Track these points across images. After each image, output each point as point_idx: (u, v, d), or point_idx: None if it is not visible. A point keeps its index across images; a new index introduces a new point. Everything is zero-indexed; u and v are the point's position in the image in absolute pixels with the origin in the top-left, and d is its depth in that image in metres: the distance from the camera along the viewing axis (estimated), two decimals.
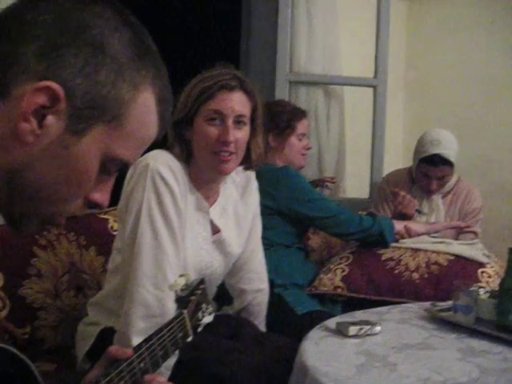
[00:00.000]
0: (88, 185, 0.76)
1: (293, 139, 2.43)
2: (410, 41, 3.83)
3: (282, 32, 3.11)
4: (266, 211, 2.19)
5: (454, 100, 3.69)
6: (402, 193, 2.60)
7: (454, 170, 2.72)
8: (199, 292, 1.26)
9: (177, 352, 1.25)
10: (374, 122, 3.24)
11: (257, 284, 1.93)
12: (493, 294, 1.71)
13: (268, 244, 2.18)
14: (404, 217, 2.56)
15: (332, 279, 2.31)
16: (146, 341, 1.03)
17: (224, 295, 1.95)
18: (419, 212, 2.70)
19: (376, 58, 3.21)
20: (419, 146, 2.73)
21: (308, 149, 2.54)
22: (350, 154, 3.44)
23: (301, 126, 2.45)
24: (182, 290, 1.22)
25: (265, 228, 1.98)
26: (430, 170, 2.68)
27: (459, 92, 3.66)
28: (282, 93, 3.12)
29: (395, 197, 2.61)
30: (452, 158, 2.65)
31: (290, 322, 2.08)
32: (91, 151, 0.73)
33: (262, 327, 1.96)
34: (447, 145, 2.67)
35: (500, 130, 3.58)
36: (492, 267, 2.29)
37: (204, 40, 4.72)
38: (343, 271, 2.32)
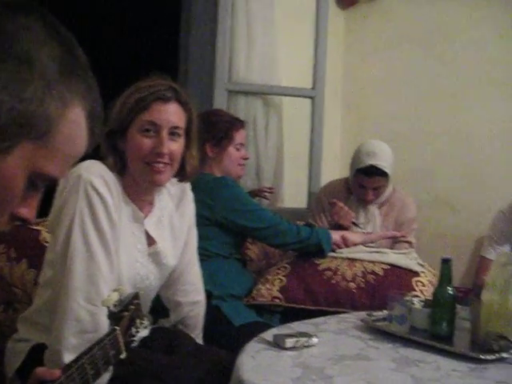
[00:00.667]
0: (14, 202, 0.73)
1: (231, 149, 2.42)
2: (347, 53, 3.88)
3: (221, 41, 3.10)
4: (204, 222, 2.17)
5: (389, 112, 3.76)
6: (340, 204, 2.62)
7: (389, 181, 2.77)
8: (133, 307, 1.23)
9: (111, 368, 1.21)
10: (311, 132, 3.27)
11: (193, 296, 1.90)
12: (426, 304, 1.74)
13: (205, 255, 2.16)
14: (340, 228, 2.59)
15: (270, 290, 2.30)
16: (75, 360, 1.00)
17: (160, 308, 1.92)
18: (355, 224, 2.74)
19: (314, 69, 3.24)
20: (355, 157, 2.77)
21: (246, 159, 2.53)
22: (288, 164, 3.45)
23: (239, 136, 2.44)
24: (115, 305, 1.19)
25: (202, 238, 1.96)
26: (365, 180, 2.72)
27: (395, 104, 3.74)
28: (220, 102, 3.10)
29: (332, 207, 2.63)
30: (387, 170, 2.70)
31: (227, 334, 2.06)
32: (17, 169, 0.70)
33: (199, 340, 1.94)
34: (383, 156, 2.72)
35: (434, 141, 3.67)
36: (426, 276, 2.34)
37: (142, 48, 4.65)
38: (281, 282, 2.32)
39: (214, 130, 2.39)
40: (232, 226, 2.29)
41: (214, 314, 2.08)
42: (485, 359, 1.47)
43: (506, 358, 1.49)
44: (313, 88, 3.25)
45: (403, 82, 3.73)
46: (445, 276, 1.65)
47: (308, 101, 3.28)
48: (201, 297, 1.94)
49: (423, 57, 3.69)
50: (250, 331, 1.84)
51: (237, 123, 2.47)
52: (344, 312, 2.04)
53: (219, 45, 3.10)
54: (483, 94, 3.56)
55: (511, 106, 3.51)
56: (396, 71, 3.74)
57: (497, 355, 1.49)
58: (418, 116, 3.70)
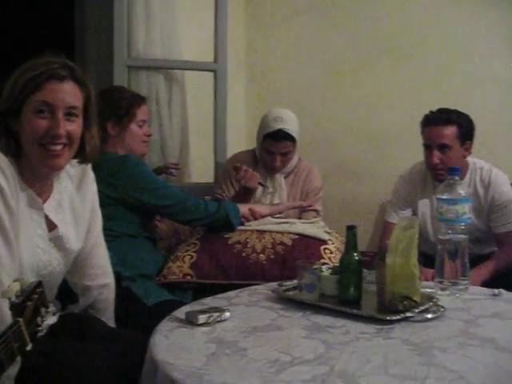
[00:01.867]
0: None
1: (133, 126, 2.36)
2: (249, 25, 3.86)
3: (118, 15, 3.00)
4: (108, 202, 2.13)
5: (293, 83, 3.79)
6: (244, 167, 2.63)
7: (295, 149, 2.82)
8: (36, 296, 1.17)
9: (19, 359, 1.16)
10: (215, 105, 3.25)
11: (101, 279, 1.86)
12: (335, 270, 1.78)
13: (112, 235, 2.12)
14: (248, 191, 2.60)
15: (181, 267, 2.29)
16: None
17: (68, 293, 1.86)
18: (262, 185, 2.77)
19: (215, 42, 3.21)
20: (263, 123, 2.80)
21: (149, 136, 2.48)
22: (194, 138, 3.42)
23: (140, 113, 2.38)
24: (16, 296, 1.13)
25: (108, 219, 1.91)
26: (273, 145, 2.75)
27: (298, 75, 3.77)
28: (120, 79, 3.01)
29: (237, 172, 2.64)
30: (294, 134, 2.76)
31: (140, 315, 2.04)
32: None
33: (111, 323, 1.90)
34: (290, 121, 2.77)
35: (338, 109, 3.74)
36: (333, 243, 2.40)
37: (34, 26, 4.43)
38: (191, 258, 2.30)
39: (115, 107, 2.32)
40: (138, 204, 2.25)
41: (124, 296, 2.04)
42: (391, 320, 1.53)
43: (410, 316, 1.56)
44: (215, 61, 3.22)
45: (305, 54, 3.76)
46: (350, 243, 1.70)
47: (211, 74, 3.25)
48: (109, 279, 1.89)
49: (323, 28, 3.73)
50: (163, 310, 1.81)
51: (138, 99, 2.41)
52: (256, 284, 2.05)
53: (116, 19, 3.00)
54: (383, 64, 3.65)
55: (410, 76, 3.62)
56: (297, 43, 3.76)
57: (402, 315, 1.55)
58: (320, 87, 3.75)
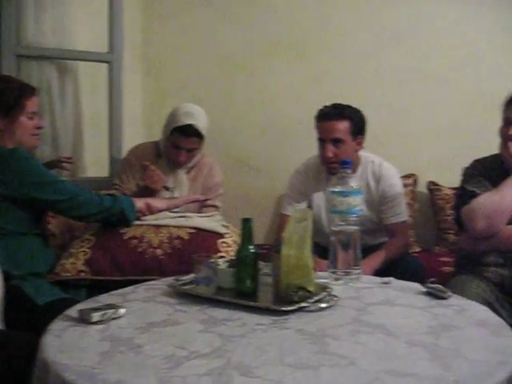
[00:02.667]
0: None
1: (22, 118, 2.25)
2: (145, 16, 3.80)
3: (7, 2, 2.86)
4: None
5: (190, 75, 3.77)
6: (153, 167, 2.59)
7: (202, 146, 2.82)
8: None
9: None
10: (110, 97, 3.17)
11: None
12: (231, 263, 1.79)
13: (0, 233, 2.02)
14: (149, 191, 2.56)
15: (75, 264, 2.21)
16: None
17: None
18: (166, 189, 2.74)
19: (110, 32, 3.13)
20: (172, 117, 2.77)
21: (40, 128, 2.38)
22: (88, 131, 3.33)
23: (30, 104, 2.27)
24: None
25: None
26: (181, 140, 2.72)
27: (196, 67, 3.76)
28: (8, 68, 2.88)
29: (145, 170, 2.59)
30: (203, 131, 2.75)
31: (31, 316, 1.95)
32: None
33: (0, 325, 1.81)
34: (200, 118, 2.76)
35: (236, 103, 3.77)
36: (231, 237, 2.40)
37: None
38: (86, 254, 2.24)
39: (2, 98, 2.21)
40: (28, 200, 2.15)
41: (14, 296, 1.95)
42: (286, 310, 1.55)
43: (305, 306, 1.59)
44: (109, 52, 3.14)
45: (203, 47, 3.76)
46: (246, 235, 1.71)
47: (105, 65, 3.17)
48: None
49: (220, 22, 3.74)
50: (56, 309, 1.75)
51: (27, 90, 2.30)
52: (153, 279, 2.02)
53: (4, 5, 2.85)
54: (280, 59, 3.71)
55: (306, 71, 3.70)
56: (195, 35, 3.75)
57: (296, 305, 1.57)
58: (217, 80, 3.76)
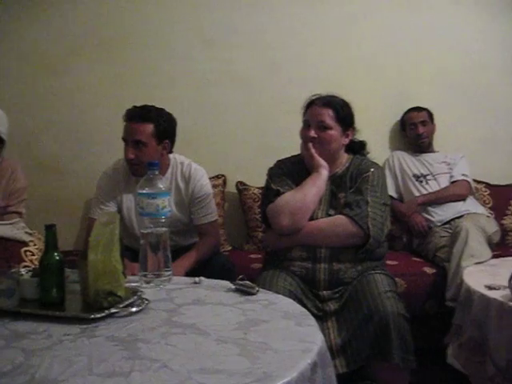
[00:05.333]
0: None
1: None
2: None
3: None
4: None
5: None
6: None
7: (4, 149, 2.66)
8: None
9: None
10: None
11: None
12: (35, 273, 1.69)
13: None
14: None
15: None
16: None
17: None
18: None
19: None
20: None
21: None
22: None
23: None
24: None
25: None
26: None
27: None
28: None
29: None
30: (3, 136, 2.62)
31: None
32: None
33: None
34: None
35: (38, 103, 3.58)
36: (35, 245, 2.29)
37: None
38: None
39: None
40: None
41: None
42: (95, 318, 1.50)
43: (115, 312, 1.55)
44: None
45: (6, 44, 3.53)
46: (50, 242, 1.63)
47: None
48: None
49: (23, 18, 3.55)
50: None
51: None
52: None
53: None
54: (87, 58, 3.60)
55: (114, 72, 3.63)
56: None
57: (106, 312, 1.53)
58: (16, 79, 3.56)
